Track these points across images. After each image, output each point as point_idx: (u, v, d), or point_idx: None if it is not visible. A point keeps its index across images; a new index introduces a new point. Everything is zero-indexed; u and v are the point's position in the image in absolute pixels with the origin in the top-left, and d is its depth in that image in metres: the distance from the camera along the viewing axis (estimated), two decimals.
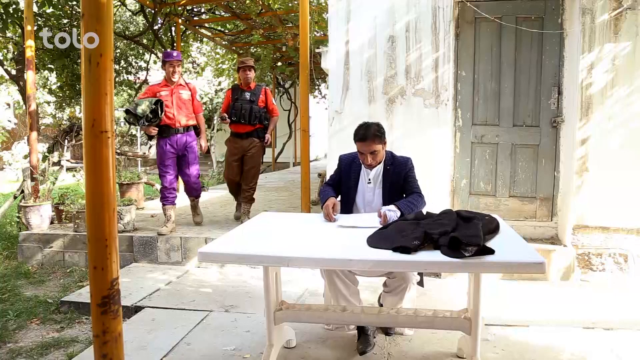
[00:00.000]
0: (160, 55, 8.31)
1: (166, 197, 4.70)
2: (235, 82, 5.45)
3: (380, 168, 2.87)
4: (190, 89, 4.74)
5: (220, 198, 7.00)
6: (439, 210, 2.55)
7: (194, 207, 5.04)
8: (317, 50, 6.70)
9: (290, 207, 6.17)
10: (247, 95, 4.85)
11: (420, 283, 2.83)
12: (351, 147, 3.00)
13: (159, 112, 4.47)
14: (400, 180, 2.84)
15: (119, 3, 7.85)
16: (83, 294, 3.72)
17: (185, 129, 4.63)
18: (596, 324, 2.95)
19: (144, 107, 4.40)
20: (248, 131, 4.89)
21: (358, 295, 2.69)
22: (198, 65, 11.61)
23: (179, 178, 4.95)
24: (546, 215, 4.14)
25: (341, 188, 2.97)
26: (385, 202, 2.78)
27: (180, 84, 4.65)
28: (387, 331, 2.83)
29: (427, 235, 2.05)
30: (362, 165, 2.91)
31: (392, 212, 2.54)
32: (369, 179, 2.88)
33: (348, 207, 2.92)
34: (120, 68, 8.73)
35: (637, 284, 3.69)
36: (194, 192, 4.91)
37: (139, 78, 9.26)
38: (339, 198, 2.94)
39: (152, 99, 4.44)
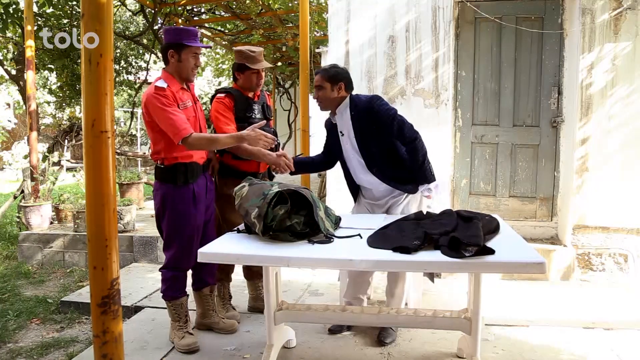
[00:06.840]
0: (160, 54, 8.27)
1: (179, 285, 2.72)
2: (231, 87, 2.98)
3: (347, 117, 2.72)
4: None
5: None
6: (439, 210, 2.55)
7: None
8: (317, 50, 6.71)
9: None
10: (256, 108, 2.93)
11: (431, 278, 2.87)
12: None
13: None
14: (372, 126, 2.60)
15: (119, 3, 7.84)
16: (83, 294, 3.72)
17: (206, 164, 2.79)
18: (596, 324, 2.95)
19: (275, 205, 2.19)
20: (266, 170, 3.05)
21: (363, 298, 2.80)
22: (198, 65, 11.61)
23: None
24: (546, 215, 4.14)
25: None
26: (364, 155, 2.69)
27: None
28: (382, 342, 2.67)
29: (427, 235, 2.05)
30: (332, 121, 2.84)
31: (427, 191, 2.73)
32: (341, 132, 2.77)
33: (347, 172, 2.89)
34: (120, 68, 8.72)
35: (637, 284, 3.69)
36: (213, 270, 2.90)
37: (139, 78, 9.25)
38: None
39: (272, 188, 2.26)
